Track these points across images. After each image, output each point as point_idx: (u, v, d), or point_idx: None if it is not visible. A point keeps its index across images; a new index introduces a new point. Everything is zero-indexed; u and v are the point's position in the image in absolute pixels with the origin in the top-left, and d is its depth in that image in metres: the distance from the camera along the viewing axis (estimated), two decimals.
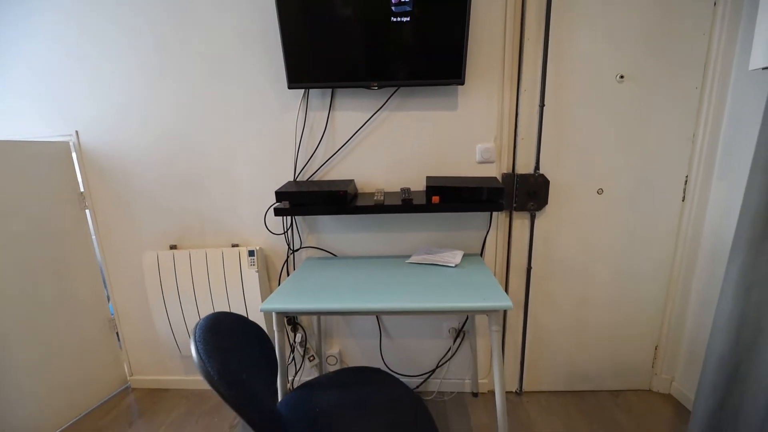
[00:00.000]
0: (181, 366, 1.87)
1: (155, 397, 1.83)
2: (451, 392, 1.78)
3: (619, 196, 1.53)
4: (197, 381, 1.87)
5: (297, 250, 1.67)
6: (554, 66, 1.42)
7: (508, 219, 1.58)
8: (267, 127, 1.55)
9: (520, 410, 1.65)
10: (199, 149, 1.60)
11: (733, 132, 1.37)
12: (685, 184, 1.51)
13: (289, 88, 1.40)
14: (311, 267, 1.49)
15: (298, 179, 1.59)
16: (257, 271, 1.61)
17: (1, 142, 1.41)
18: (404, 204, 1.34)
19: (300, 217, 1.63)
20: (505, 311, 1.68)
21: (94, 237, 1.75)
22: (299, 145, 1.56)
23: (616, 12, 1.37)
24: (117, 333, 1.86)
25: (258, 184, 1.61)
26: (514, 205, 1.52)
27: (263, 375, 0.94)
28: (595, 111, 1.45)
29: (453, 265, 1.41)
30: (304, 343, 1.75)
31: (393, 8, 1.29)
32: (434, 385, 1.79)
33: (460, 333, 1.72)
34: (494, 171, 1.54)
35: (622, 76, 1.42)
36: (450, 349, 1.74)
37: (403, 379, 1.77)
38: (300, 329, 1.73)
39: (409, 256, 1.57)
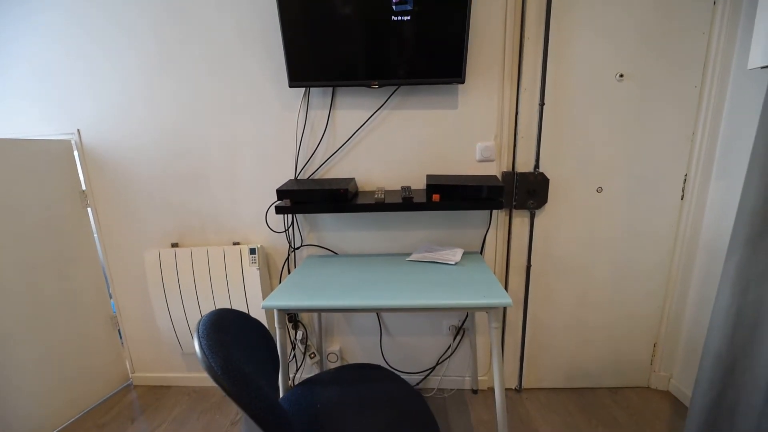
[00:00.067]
0: (183, 363, 1.88)
1: (157, 394, 1.84)
2: (451, 389, 1.79)
3: (619, 195, 1.54)
4: (199, 378, 1.88)
5: (298, 248, 1.68)
6: (554, 65, 1.43)
7: (507, 217, 1.59)
8: (268, 125, 1.56)
9: (519, 407, 1.66)
10: (201, 148, 1.60)
11: (732, 131, 1.38)
12: (684, 182, 1.51)
13: (290, 86, 1.41)
14: (312, 265, 1.50)
15: (299, 178, 1.60)
16: (258, 269, 1.62)
17: (2, 141, 1.42)
18: (405, 202, 1.35)
19: (301, 215, 1.64)
20: (504, 308, 1.69)
21: (95, 235, 1.76)
22: (300, 143, 1.57)
23: (615, 11, 1.37)
24: (119, 330, 1.88)
25: (259, 183, 1.62)
26: (514, 203, 1.53)
27: (265, 371, 0.95)
28: (594, 110, 1.46)
29: (453, 263, 1.42)
30: (305, 340, 1.76)
31: (394, 7, 1.29)
32: (434, 382, 1.80)
33: (459, 330, 1.73)
34: (494, 169, 1.54)
35: (621, 75, 1.43)
36: (450, 346, 1.76)
37: (404, 377, 1.78)
38: (301, 327, 1.74)
39: (409, 254, 1.58)
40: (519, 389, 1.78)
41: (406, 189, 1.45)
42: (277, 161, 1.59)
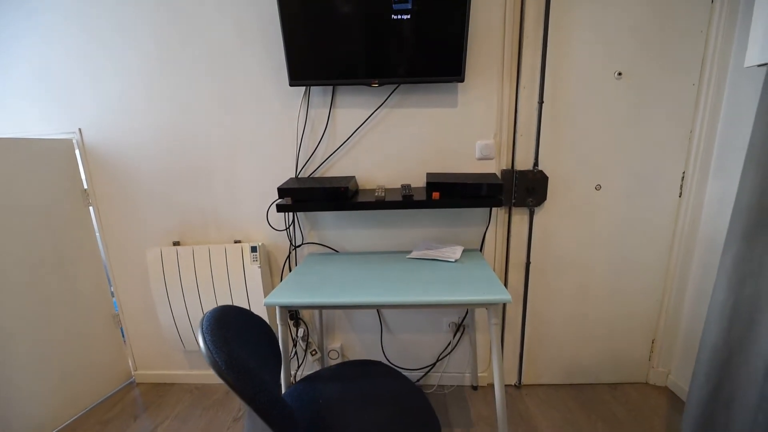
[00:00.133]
0: (185, 360, 1.89)
1: (160, 391, 1.86)
2: (451, 385, 1.81)
3: (617, 192, 1.55)
4: (201, 375, 1.90)
5: (299, 246, 1.69)
6: (553, 63, 1.43)
7: (507, 215, 1.60)
8: (269, 124, 1.57)
9: (519, 403, 1.67)
10: (202, 147, 1.61)
11: (729, 128, 1.39)
12: (682, 180, 1.53)
13: (291, 85, 1.42)
14: (313, 262, 1.51)
15: (299, 176, 1.61)
16: (260, 267, 1.63)
17: (5, 140, 1.43)
18: (405, 200, 1.36)
19: (302, 213, 1.65)
20: (504, 305, 1.70)
21: (97, 234, 1.77)
22: (301, 142, 1.57)
23: (614, 10, 1.38)
24: (121, 328, 1.89)
25: (260, 181, 1.63)
26: (513, 200, 1.54)
27: (268, 367, 0.97)
28: (593, 107, 1.47)
29: (453, 260, 1.43)
30: (306, 337, 1.77)
31: (393, 6, 1.30)
32: (434, 378, 1.82)
33: (459, 327, 1.74)
34: (494, 167, 1.56)
35: (620, 73, 1.44)
36: (450, 343, 1.77)
37: (404, 373, 1.80)
38: (302, 324, 1.76)
39: (409, 252, 1.59)
40: (518, 385, 1.79)
41: (406, 187, 1.46)
42: (278, 159, 1.60)
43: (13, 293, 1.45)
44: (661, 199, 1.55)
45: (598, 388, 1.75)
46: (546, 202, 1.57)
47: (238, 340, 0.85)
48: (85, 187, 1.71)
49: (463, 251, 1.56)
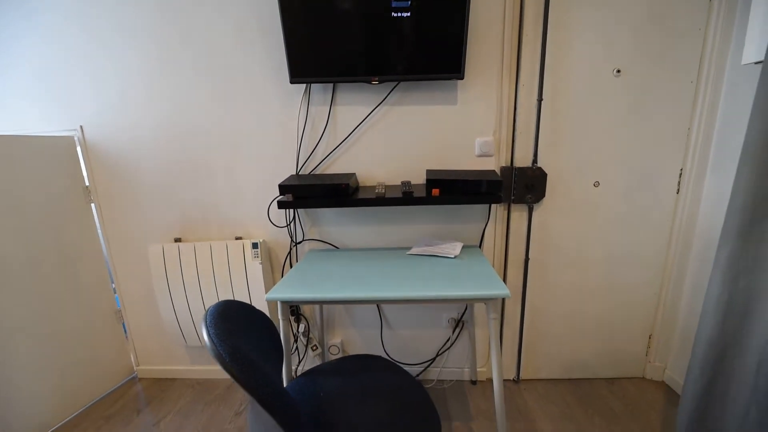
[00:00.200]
0: (187, 356, 1.91)
1: (162, 386, 1.88)
2: (451, 380, 1.83)
3: (615, 189, 1.56)
4: (203, 371, 1.92)
5: (300, 242, 1.70)
6: (552, 61, 1.44)
7: (506, 211, 1.61)
8: (269, 121, 1.57)
9: (517, 397, 1.69)
10: (203, 144, 1.62)
11: (727, 125, 1.40)
12: (680, 176, 1.54)
13: (291, 82, 1.42)
14: (314, 259, 1.53)
15: (300, 173, 1.62)
16: (261, 263, 1.64)
17: (6, 137, 1.44)
18: (405, 197, 1.37)
19: (302, 210, 1.66)
20: (503, 300, 1.72)
21: (99, 230, 1.78)
22: (301, 139, 1.58)
23: (613, 8, 1.39)
24: (123, 324, 1.90)
25: (261, 178, 1.64)
26: (513, 197, 1.56)
27: (270, 361, 0.98)
28: (592, 105, 1.48)
29: (452, 256, 1.45)
30: (306, 333, 1.79)
31: (393, 3, 1.30)
32: (434, 373, 1.84)
33: (459, 323, 1.76)
34: (493, 164, 1.57)
35: (618, 71, 1.44)
36: (449, 338, 1.79)
37: (404, 368, 1.81)
38: (303, 320, 1.77)
39: (409, 248, 1.60)
40: (517, 380, 1.81)
41: (406, 184, 1.48)
42: (279, 157, 1.61)
43: (16, 290, 1.46)
44: (658, 196, 1.56)
45: (596, 383, 1.77)
46: (545, 199, 1.59)
47: (241, 333, 0.86)
48: (87, 184, 1.72)
49: (463, 247, 1.58)
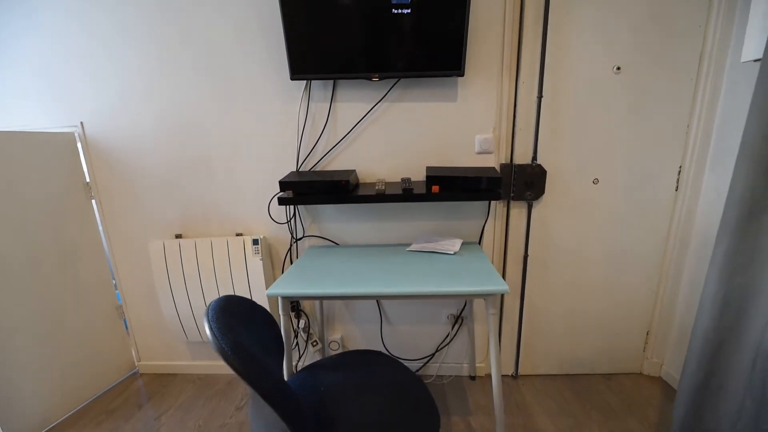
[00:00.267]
0: (188, 351, 1.92)
1: (163, 381, 1.89)
2: (450, 376, 1.84)
3: (614, 186, 1.57)
4: (203, 366, 1.93)
5: (300, 238, 1.71)
6: (552, 58, 1.45)
7: (505, 208, 1.62)
8: (270, 118, 1.58)
9: (516, 393, 1.71)
10: (203, 141, 1.63)
11: (726, 123, 1.41)
12: (679, 174, 1.55)
13: (292, 79, 1.42)
14: (314, 255, 1.54)
15: (300, 169, 1.62)
16: (261, 260, 1.65)
17: (6, 133, 1.44)
18: (405, 193, 1.38)
19: (302, 206, 1.67)
20: (502, 296, 1.73)
21: (100, 226, 1.79)
22: (302, 135, 1.59)
23: (613, 5, 1.39)
24: (124, 320, 1.91)
25: (261, 175, 1.65)
26: (512, 194, 1.56)
27: (271, 356, 0.99)
28: (591, 102, 1.48)
29: (452, 252, 1.46)
30: (307, 328, 1.80)
31: (393, 0, 1.30)
32: (433, 369, 1.85)
33: (458, 319, 1.77)
34: (493, 161, 1.57)
35: (618, 68, 1.45)
36: (448, 334, 1.80)
37: (404, 363, 1.83)
38: (303, 315, 1.78)
39: (409, 245, 1.61)
40: (515, 376, 1.83)
41: (406, 180, 1.48)
42: (279, 153, 1.61)
43: (17, 286, 1.47)
44: (657, 193, 1.57)
45: (594, 379, 1.78)
46: (544, 196, 1.59)
47: (242, 328, 0.87)
48: (87, 180, 1.72)
49: (462, 244, 1.59)
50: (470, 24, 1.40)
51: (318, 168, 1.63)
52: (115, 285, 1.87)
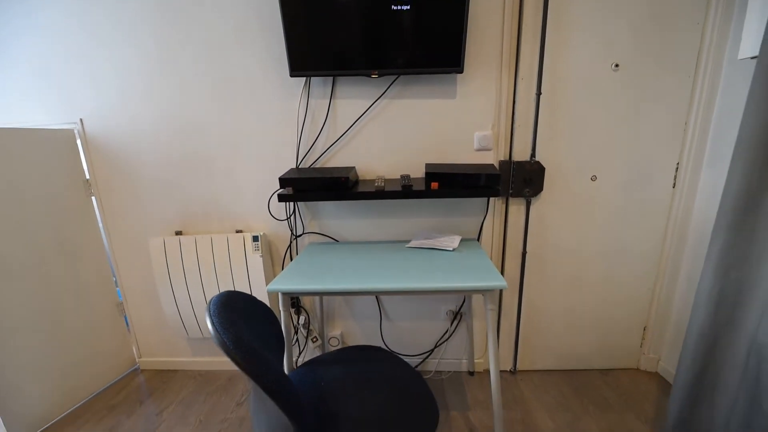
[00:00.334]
0: (188, 348, 1.94)
1: (164, 377, 1.90)
2: (449, 371, 1.86)
3: (612, 183, 1.58)
4: (204, 362, 1.94)
5: (300, 235, 1.72)
6: (551, 55, 1.45)
7: (504, 205, 1.63)
8: (269, 115, 1.58)
9: (514, 388, 1.73)
10: (203, 137, 1.63)
11: (723, 120, 1.41)
12: (676, 170, 1.55)
13: (291, 76, 1.43)
14: (314, 252, 1.54)
15: (300, 166, 1.63)
16: (261, 256, 1.66)
17: (6, 130, 1.44)
18: (404, 190, 1.39)
19: (302, 203, 1.67)
20: (500, 292, 1.74)
21: (100, 223, 1.79)
22: (301, 132, 1.59)
23: (612, 2, 1.39)
24: (125, 317, 1.92)
25: (261, 172, 1.65)
26: (511, 191, 1.57)
27: (272, 351, 1.00)
28: (590, 99, 1.49)
29: (451, 249, 1.47)
30: (307, 325, 1.81)
31: None
32: (432, 364, 1.87)
33: (457, 315, 1.79)
34: (491, 158, 1.58)
35: (617, 65, 1.45)
36: (447, 330, 1.82)
37: (403, 359, 1.84)
38: (303, 312, 1.79)
39: (408, 241, 1.62)
40: (514, 371, 1.84)
41: (405, 177, 1.49)
42: (279, 150, 1.62)
43: (18, 283, 1.48)
44: (655, 190, 1.58)
45: (591, 374, 1.80)
46: (542, 193, 1.60)
47: (243, 323, 0.88)
48: (87, 177, 1.72)
49: (461, 240, 1.59)
50: (469, 20, 1.40)
51: (317, 165, 1.63)
52: (116, 282, 1.88)
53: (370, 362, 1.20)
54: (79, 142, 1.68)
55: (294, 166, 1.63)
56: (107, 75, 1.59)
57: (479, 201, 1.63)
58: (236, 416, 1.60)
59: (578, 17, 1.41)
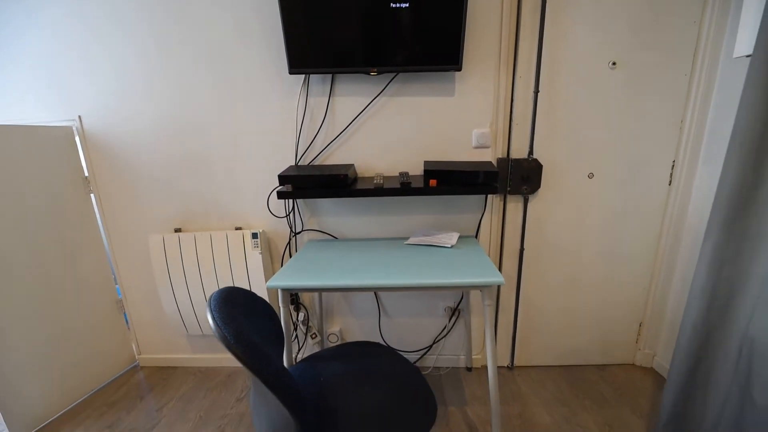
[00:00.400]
0: (188, 345, 1.94)
1: (164, 374, 1.91)
2: (447, 367, 1.88)
3: (609, 180, 1.59)
4: (203, 359, 1.95)
5: (299, 232, 1.72)
6: (549, 53, 1.46)
7: (502, 202, 1.64)
8: (268, 112, 1.58)
9: (511, 383, 1.74)
10: (203, 135, 1.63)
11: (719, 118, 1.43)
12: (672, 168, 1.57)
13: (290, 73, 1.43)
14: (313, 249, 1.55)
15: (299, 164, 1.63)
16: (260, 253, 1.66)
17: (4, 127, 1.43)
18: (403, 187, 1.40)
19: (301, 200, 1.68)
20: (498, 288, 1.76)
21: (99, 221, 1.79)
22: (300, 130, 1.60)
23: (609, 1, 1.40)
24: (125, 314, 1.93)
25: (260, 169, 1.65)
26: (508, 188, 1.58)
27: (272, 346, 1.01)
28: (587, 97, 1.50)
29: (449, 246, 1.48)
30: (306, 321, 1.83)
31: None
32: (430, 360, 1.88)
33: (455, 312, 1.80)
34: (489, 156, 1.59)
35: (614, 63, 1.46)
36: (445, 326, 1.83)
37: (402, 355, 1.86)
38: (302, 308, 1.81)
39: (407, 238, 1.63)
40: (511, 367, 1.86)
41: (404, 175, 1.50)
42: (278, 148, 1.62)
43: (17, 281, 1.48)
44: (651, 187, 1.59)
45: (587, 369, 1.82)
46: (540, 190, 1.61)
47: (244, 319, 0.89)
48: (86, 174, 1.72)
49: (459, 237, 1.61)
50: (468, 19, 1.41)
51: (317, 162, 1.64)
52: (115, 279, 1.88)
53: (369, 358, 1.21)
54: (77, 139, 1.68)
55: (293, 164, 1.63)
56: (106, 73, 1.58)
57: (477, 198, 1.64)
58: (236, 412, 1.62)
59: (576, 15, 1.42)
